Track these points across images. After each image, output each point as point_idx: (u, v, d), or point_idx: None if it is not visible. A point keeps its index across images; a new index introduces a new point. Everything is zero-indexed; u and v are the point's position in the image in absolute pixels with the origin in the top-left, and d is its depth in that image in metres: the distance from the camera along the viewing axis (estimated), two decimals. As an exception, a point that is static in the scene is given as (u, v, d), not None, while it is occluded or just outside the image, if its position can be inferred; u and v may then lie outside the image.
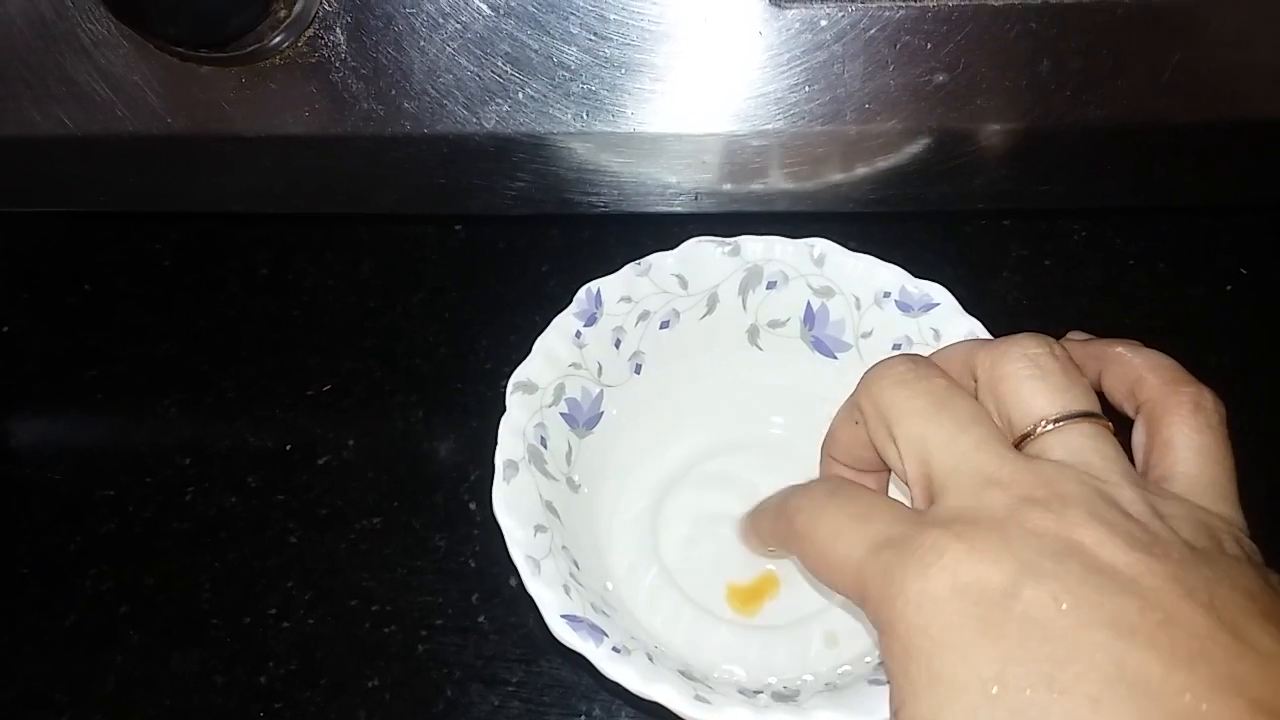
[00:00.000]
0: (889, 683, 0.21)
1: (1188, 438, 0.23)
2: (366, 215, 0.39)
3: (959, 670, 0.19)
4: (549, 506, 0.28)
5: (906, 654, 0.20)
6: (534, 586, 0.25)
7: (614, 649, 0.24)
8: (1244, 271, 0.41)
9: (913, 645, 0.20)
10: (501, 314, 0.41)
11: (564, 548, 0.27)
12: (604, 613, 0.26)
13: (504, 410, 0.30)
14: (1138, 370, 0.25)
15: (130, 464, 0.37)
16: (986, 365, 0.24)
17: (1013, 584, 0.19)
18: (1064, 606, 0.19)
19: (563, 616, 0.25)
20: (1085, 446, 0.22)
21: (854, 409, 0.26)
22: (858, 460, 0.27)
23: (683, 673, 0.24)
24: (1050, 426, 0.23)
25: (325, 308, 0.42)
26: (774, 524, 0.27)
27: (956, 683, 0.19)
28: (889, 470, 0.27)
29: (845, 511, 0.23)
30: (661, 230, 0.37)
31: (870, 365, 0.25)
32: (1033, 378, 0.23)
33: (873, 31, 0.30)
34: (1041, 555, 0.20)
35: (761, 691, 0.26)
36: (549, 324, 0.32)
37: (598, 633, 0.25)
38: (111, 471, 0.37)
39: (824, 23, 0.30)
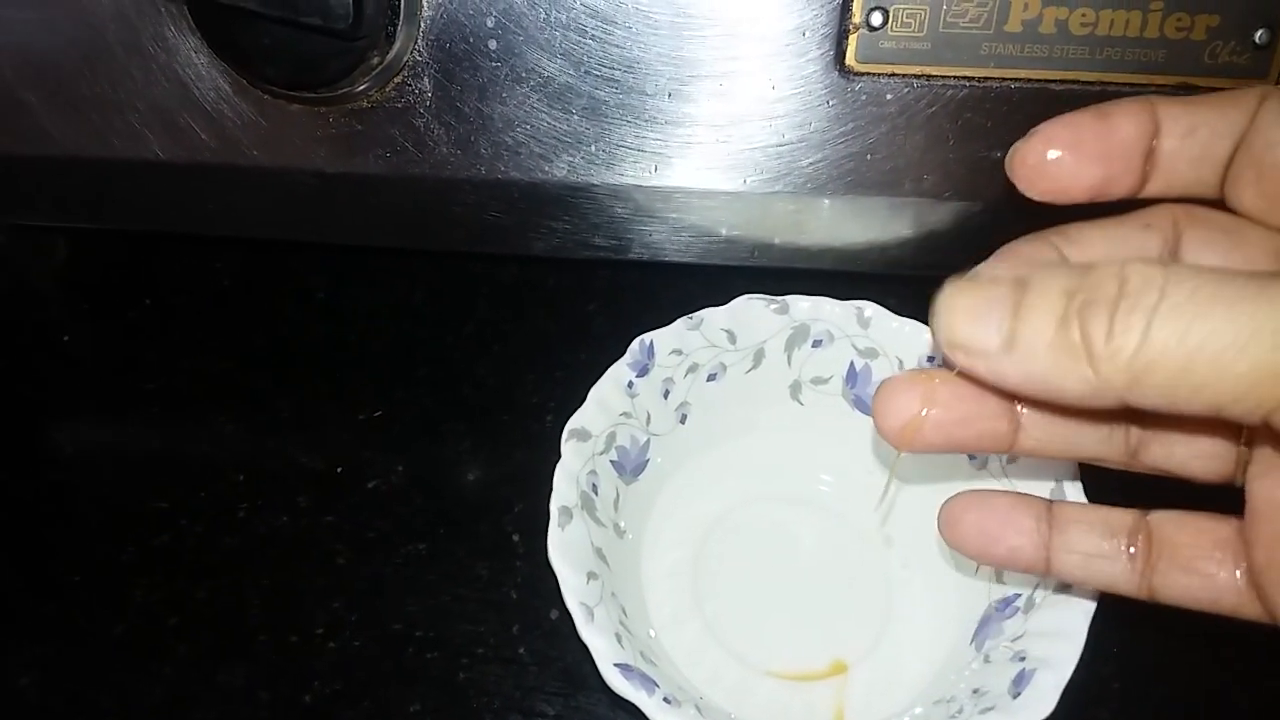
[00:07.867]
0: None
1: None
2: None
3: None
4: (599, 553, 0.29)
5: None
6: (587, 634, 0.26)
7: (665, 699, 0.25)
8: None
9: None
10: (549, 350, 0.42)
11: (613, 594, 0.28)
12: (651, 661, 0.27)
13: (550, 444, 0.30)
14: None
15: (184, 478, 0.38)
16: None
17: None
18: None
19: (615, 665, 0.25)
20: None
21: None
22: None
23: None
24: None
25: (378, 334, 0.43)
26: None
27: None
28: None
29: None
30: (706, 277, 0.38)
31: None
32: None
33: (935, 108, 0.31)
34: None
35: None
36: (594, 362, 0.33)
37: (649, 683, 0.25)
38: (166, 484, 0.38)
39: (889, 96, 0.31)
